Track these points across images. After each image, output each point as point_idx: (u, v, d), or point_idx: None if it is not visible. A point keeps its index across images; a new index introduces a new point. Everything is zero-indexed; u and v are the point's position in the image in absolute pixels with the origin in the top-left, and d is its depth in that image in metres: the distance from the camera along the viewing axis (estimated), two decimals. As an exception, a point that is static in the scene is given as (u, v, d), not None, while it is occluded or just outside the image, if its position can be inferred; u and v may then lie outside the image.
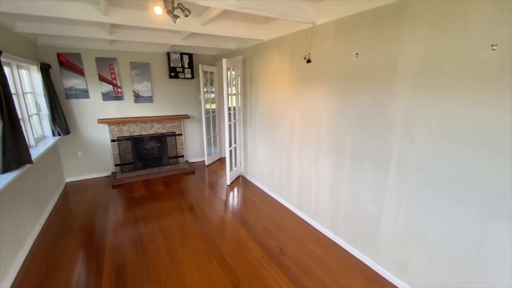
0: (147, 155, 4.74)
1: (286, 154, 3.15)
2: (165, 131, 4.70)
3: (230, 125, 4.03)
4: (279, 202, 3.36)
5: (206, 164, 5.00)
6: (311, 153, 2.71)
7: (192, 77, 4.73)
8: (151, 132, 4.58)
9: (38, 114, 3.53)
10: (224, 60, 3.56)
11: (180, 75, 4.59)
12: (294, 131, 2.94)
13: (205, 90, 4.78)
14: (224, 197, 3.57)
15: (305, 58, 2.53)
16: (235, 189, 3.86)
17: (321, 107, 2.48)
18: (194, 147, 5.17)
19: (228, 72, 3.74)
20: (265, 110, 3.52)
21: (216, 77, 5.03)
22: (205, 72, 4.66)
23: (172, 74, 4.51)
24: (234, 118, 4.34)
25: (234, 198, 3.57)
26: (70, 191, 3.78)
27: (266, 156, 3.64)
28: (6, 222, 2.14)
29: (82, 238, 2.60)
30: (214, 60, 5.03)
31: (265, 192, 3.69)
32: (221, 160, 5.34)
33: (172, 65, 4.47)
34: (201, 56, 4.85)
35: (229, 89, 3.85)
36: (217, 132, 5.28)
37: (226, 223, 2.88)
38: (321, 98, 2.46)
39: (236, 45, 4.03)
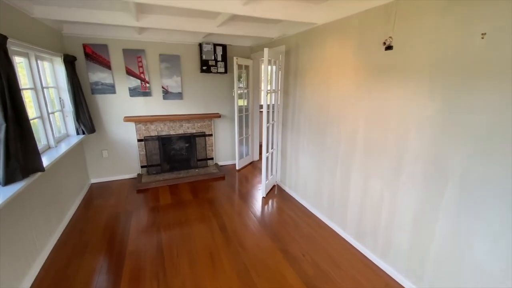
0: (175, 156, 4.35)
1: (343, 168, 2.50)
2: (194, 131, 4.27)
3: (268, 127, 3.45)
4: (329, 227, 2.73)
5: (237, 168, 4.50)
6: (384, 172, 2.04)
7: (225, 72, 4.22)
8: (180, 132, 4.17)
9: (61, 111, 3.25)
10: (265, 50, 2.97)
11: (213, 69, 4.09)
12: (357, 140, 2.27)
13: (239, 86, 4.25)
14: (259, 214, 3.02)
15: (384, 44, 1.85)
16: (272, 203, 3.29)
17: (408, 111, 1.80)
18: (225, 149, 4.68)
19: (269, 65, 3.14)
20: (313, 112, 2.89)
21: (251, 71, 4.47)
22: (239, 66, 4.12)
23: (204, 67, 4.04)
24: (272, 119, 3.76)
25: (272, 215, 3.01)
26: (94, 195, 3.49)
27: (312, 167, 3.02)
28: (11, 243, 1.78)
29: (98, 260, 2.21)
30: (250, 52, 4.47)
31: (308, 211, 3.08)
32: (253, 164, 4.80)
33: (204, 57, 3.99)
34: (235, 48, 4.31)
35: (269, 85, 3.26)
36: (249, 133, 4.75)
37: (265, 252, 2.32)
38: (409, 98, 1.77)
39: (279, 32, 3.42)
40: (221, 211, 3.05)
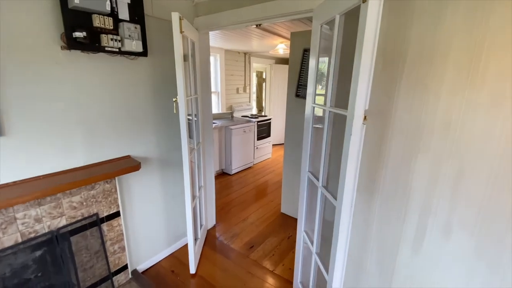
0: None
1: None
2: (64, 221, 1.46)
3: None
4: None
5: (193, 271, 2.04)
6: None
7: (144, 52, 1.64)
8: (11, 235, 1.27)
9: None
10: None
11: (111, 41, 1.43)
12: None
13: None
14: None
15: None
16: None
17: None
18: (151, 233, 2.08)
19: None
20: None
21: (198, 54, 2.09)
22: (184, 39, 1.69)
23: (80, 34, 1.32)
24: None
25: None
26: None
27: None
28: None
29: None
30: (192, 14, 2.05)
31: None
32: (209, 242, 2.45)
33: (73, 3, 1.27)
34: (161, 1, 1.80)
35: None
36: (202, 181, 2.34)
37: None
38: None
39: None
40: None
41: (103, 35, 1.40)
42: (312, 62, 1.36)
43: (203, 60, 2.18)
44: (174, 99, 1.65)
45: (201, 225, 2.36)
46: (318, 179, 1.34)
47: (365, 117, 0.97)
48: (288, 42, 3.73)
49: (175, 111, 1.68)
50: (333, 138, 1.37)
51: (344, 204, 1.02)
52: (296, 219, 2.81)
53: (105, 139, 1.62)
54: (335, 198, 1.14)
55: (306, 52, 2.36)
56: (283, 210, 2.95)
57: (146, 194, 1.94)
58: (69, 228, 1.50)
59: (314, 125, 1.45)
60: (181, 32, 1.52)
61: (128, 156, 1.76)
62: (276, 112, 5.68)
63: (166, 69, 1.86)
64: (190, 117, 2.00)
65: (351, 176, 1.00)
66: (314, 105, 1.35)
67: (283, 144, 5.84)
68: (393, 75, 1.23)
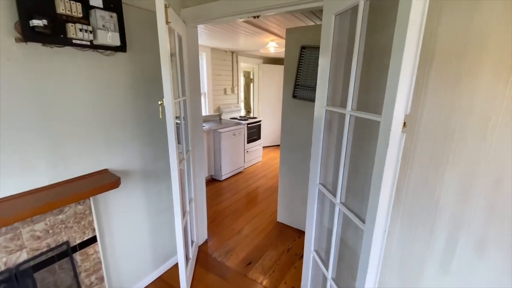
0: None
1: None
2: (24, 256, 1.18)
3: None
4: None
5: (185, 296, 1.80)
6: None
7: (123, 46, 1.38)
8: None
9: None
10: None
11: (80, 32, 1.16)
12: None
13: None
14: None
15: None
16: None
17: None
18: (135, 254, 1.81)
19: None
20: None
21: (186, 50, 1.84)
22: (171, 32, 1.45)
23: (37, 23, 1.05)
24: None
25: None
26: None
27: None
28: None
29: None
30: (178, 5, 1.80)
31: None
32: (201, 261, 2.21)
33: (30, -21, 1.01)
34: (143, -17, 1.54)
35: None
36: (192, 192, 2.09)
37: None
38: None
39: None
40: None
41: (70, 24, 1.13)
42: (323, 61, 1.17)
43: (191, 58, 1.94)
44: (159, 102, 1.40)
45: (192, 242, 2.11)
46: (334, 194, 1.15)
47: (404, 124, 0.78)
48: (279, 40, 3.54)
49: (161, 116, 1.43)
50: (350, 146, 1.19)
51: (376, 230, 0.84)
52: (294, 229, 2.64)
53: (75, 151, 1.34)
54: (361, 220, 0.95)
55: (304, 49, 2.18)
56: (279, 219, 2.75)
57: (128, 212, 1.67)
58: (32, 263, 1.21)
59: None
60: (167, 22, 1.28)
61: (106, 170, 1.49)
62: (265, 113, 5.49)
63: (149, 67, 1.60)
64: (178, 121, 1.76)
65: (385, 196, 0.82)
66: (328, 108, 1.16)
67: (273, 146, 5.69)
68: (419, 72, 1.07)
